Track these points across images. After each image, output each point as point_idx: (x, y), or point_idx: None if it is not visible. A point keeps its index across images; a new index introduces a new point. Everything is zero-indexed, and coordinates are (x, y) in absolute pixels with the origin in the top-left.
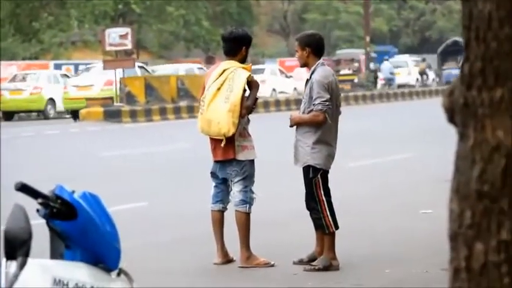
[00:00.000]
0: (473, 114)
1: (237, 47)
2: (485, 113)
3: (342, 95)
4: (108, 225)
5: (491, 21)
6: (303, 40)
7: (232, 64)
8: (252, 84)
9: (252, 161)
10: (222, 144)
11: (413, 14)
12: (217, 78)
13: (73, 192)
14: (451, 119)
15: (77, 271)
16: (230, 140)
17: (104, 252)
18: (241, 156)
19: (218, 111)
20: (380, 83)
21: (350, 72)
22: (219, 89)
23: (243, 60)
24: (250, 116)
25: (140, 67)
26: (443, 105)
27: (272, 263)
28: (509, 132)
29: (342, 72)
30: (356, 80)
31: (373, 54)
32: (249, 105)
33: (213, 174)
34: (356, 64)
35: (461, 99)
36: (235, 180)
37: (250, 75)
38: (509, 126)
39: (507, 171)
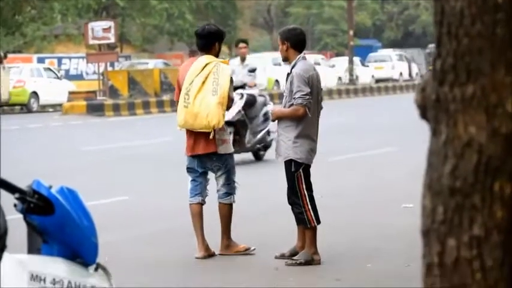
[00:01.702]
0: (445, 110)
1: (210, 42)
2: (457, 109)
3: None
4: (85, 220)
5: (463, 17)
6: (282, 34)
7: (212, 59)
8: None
9: (232, 154)
10: (211, 137)
11: (396, 8)
12: (200, 72)
13: (50, 187)
14: (424, 115)
15: (54, 266)
16: (209, 134)
17: (81, 247)
18: (222, 149)
19: (207, 104)
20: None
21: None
22: (203, 82)
23: (216, 55)
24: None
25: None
26: (415, 102)
27: (252, 248)
28: (481, 128)
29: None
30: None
31: None
32: (232, 97)
33: (190, 169)
34: None
35: (434, 95)
36: (219, 174)
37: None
38: (481, 122)
39: (479, 167)
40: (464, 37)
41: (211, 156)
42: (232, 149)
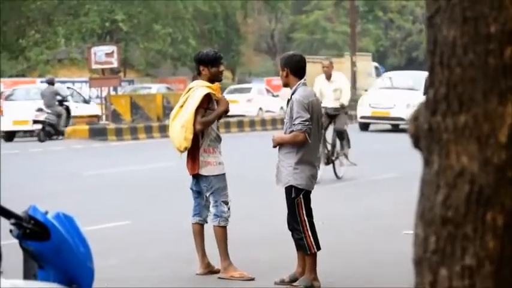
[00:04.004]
0: (438, 140)
1: (198, 67)
2: (449, 139)
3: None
4: (81, 245)
5: (455, 47)
6: (282, 60)
7: (198, 83)
8: (219, 103)
9: (220, 176)
10: (180, 157)
11: (400, 34)
12: (183, 96)
13: (46, 212)
14: (416, 144)
15: None
16: (195, 155)
17: (77, 272)
18: (205, 171)
19: (174, 128)
20: None
21: None
22: (181, 106)
23: (209, 80)
24: (233, 135)
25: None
26: (408, 131)
27: (250, 276)
28: (473, 158)
29: None
30: None
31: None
32: (204, 120)
33: (191, 188)
34: None
35: (426, 125)
36: (207, 195)
37: (213, 93)
38: (473, 152)
39: (471, 197)
40: (456, 67)
41: (200, 177)
42: (218, 171)
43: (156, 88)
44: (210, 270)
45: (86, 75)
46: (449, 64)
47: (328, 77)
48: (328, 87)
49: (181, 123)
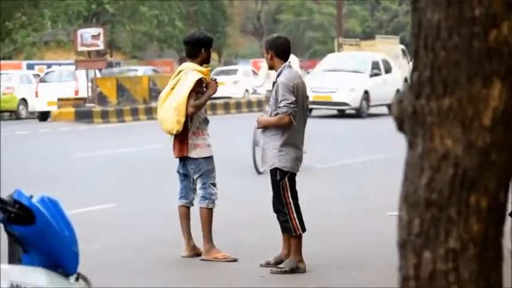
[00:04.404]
0: (422, 123)
1: (197, 49)
2: (433, 122)
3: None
4: (66, 229)
5: (440, 30)
6: (266, 43)
7: (189, 66)
8: (208, 86)
9: (209, 158)
10: (171, 141)
11: (386, 16)
12: (173, 78)
13: (31, 196)
14: (401, 127)
15: (35, 276)
16: (184, 138)
17: (62, 257)
18: (194, 153)
19: (166, 110)
20: None
21: None
22: (172, 88)
23: (204, 62)
24: (220, 117)
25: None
26: (392, 114)
27: (233, 257)
28: (457, 141)
29: None
30: None
31: None
32: (196, 103)
33: (178, 172)
34: None
35: (410, 108)
36: (195, 177)
37: (204, 77)
38: (458, 135)
39: (455, 180)
40: (441, 50)
41: (188, 160)
42: (207, 154)
43: (142, 70)
44: (195, 252)
45: (72, 57)
46: (434, 47)
47: None
48: None
49: (173, 106)
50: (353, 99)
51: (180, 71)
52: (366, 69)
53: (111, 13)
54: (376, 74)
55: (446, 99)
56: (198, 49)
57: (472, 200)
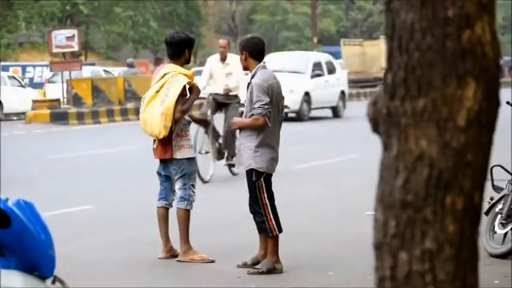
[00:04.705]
0: (397, 124)
1: (180, 50)
2: (408, 123)
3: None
4: (42, 233)
5: (413, 31)
6: (240, 44)
7: (174, 68)
8: (192, 90)
9: (191, 160)
10: (155, 146)
11: (361, 15)
12: (159, 80)
13: (7, 199)
14: (375, 128)
15: (11, 279)
16: (168, 140)
17: (38, 260)
18: (179, 154)
19: (153, 113)
20: None
21: None
22: (157, 91)
23: (186, 63)
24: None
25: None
26: (367, 115)
27: (210, 259)
28: (432, 142)
29: None
30: None
31: None
32: (183, 108)
33: (158, 173)
34: None
35: (385, 109)
36: (175, 178)
37: (190, 81)
38: (432, 136)
39: (430, 181)
40: (415, 51)
41: (171, 161)
42: (191, 154)
43: (117, 71)
44: (172, 254)
45: (47, 59)
46: (408, 48)
47: (224, 58)
48: (220, 70)
49: (161, 110)
50: (292, 102)
51: (165, 74)
52: (307, 70)
53: (86, 14)
54: (318, 75)
55: (421, 100)
56: (181, 50)
57: (448, 200)
